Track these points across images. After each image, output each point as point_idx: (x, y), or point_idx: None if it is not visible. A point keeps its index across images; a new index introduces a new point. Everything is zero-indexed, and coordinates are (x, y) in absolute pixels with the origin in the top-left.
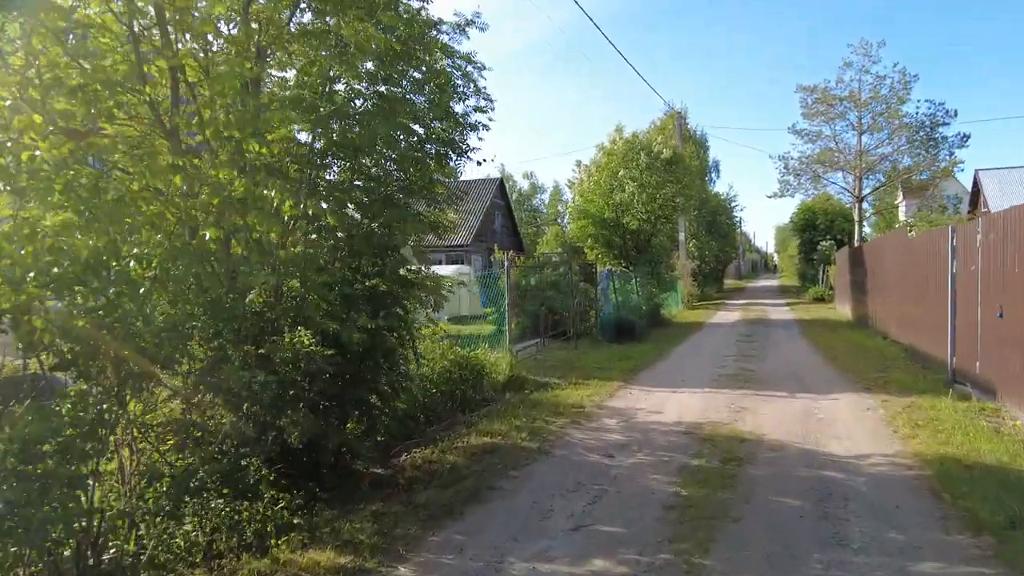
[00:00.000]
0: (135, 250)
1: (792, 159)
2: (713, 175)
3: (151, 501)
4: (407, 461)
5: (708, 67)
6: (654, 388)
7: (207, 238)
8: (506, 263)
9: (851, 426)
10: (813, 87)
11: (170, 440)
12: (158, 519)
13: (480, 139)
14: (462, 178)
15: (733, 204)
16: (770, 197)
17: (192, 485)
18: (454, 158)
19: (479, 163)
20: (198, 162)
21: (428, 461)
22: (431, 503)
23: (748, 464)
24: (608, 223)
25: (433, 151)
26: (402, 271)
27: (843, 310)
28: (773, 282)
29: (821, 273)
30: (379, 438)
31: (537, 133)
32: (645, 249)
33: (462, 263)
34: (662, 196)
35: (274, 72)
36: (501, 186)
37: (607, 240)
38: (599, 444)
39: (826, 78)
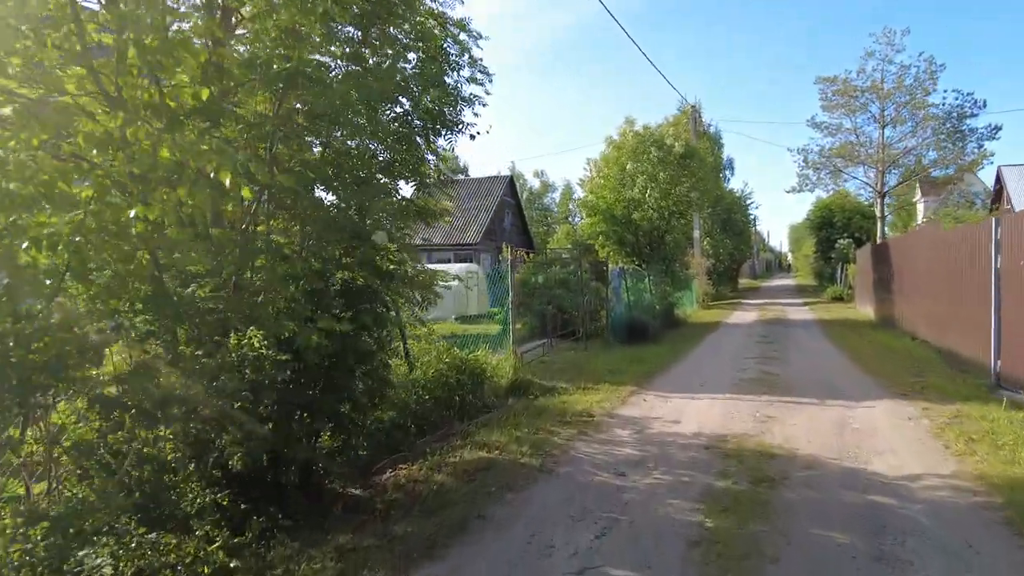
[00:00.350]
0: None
1: (812, 152)
2: (727, 173)
3: (17, 555)
4: (390, 480)
5: (709, 67)
6: (670, 394)
7: (132, 216)
8: (509, 258)
9: (893, 439)
10: (833, 78)
11: (69, 465)
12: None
13: (476, 115)
14: (471, 175)
15: (748, 201)
16: (789, 192)
17: (87, 526)
18: (445, 133)
19: (473, 137)
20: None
21: (413, 480)
22: (410, 536)
23: (782, 486)
24: (619, 219)
25: (421, 126)
26: (379, 261)
27: (865, 310)
28: (788, 281)
29: (839, 272)
30: (360, 452)
31: (538, 132)
32: (659, 246)
33: (471, 262)
34: (676, 192)
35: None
36: (511, 184)
37: (619, 237)
38: (609, 460)
39: (847, 68)
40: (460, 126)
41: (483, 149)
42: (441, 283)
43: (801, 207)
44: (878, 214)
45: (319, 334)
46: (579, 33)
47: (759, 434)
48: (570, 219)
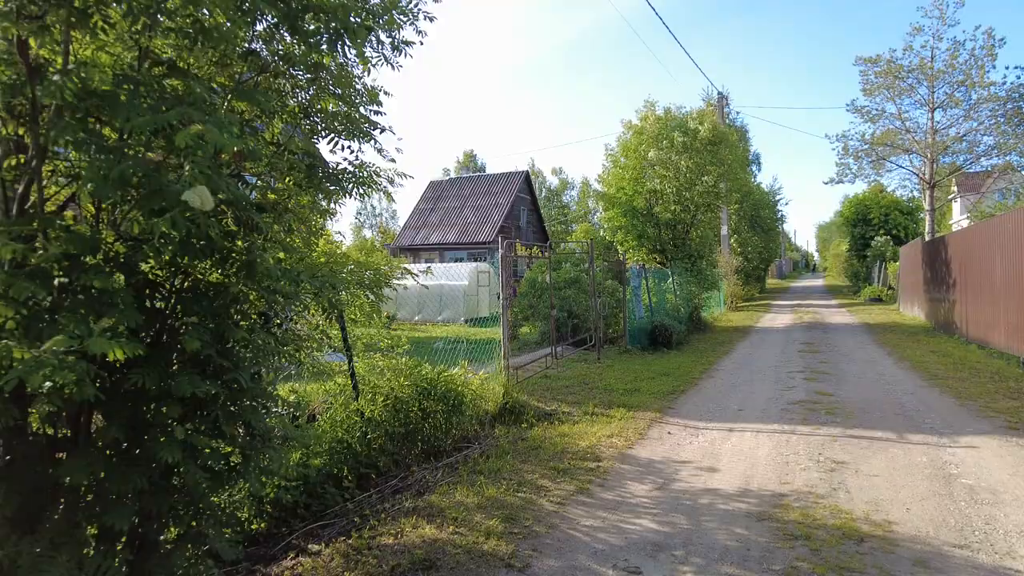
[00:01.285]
0: None
1: (852, 139)
2: (754, 168)
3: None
4: (288, 571)
5: (735, 56)
6: (702, 423)
7: None
8: (500, 251)
9: None
10: (875, 58)
11: None
12: None
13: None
14: (488, 171)
15: (777, 197)
16: (827, 184)
17: None
18: None
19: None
20: None
21: None
22: None
23: None
24: (640, 213)
25: None
26: (216, 237)
27: (911, 312)
28: (818, 282)
29: (877, 271)
30: (222, 541)
31: (559, 130)
32: (683, 243)
33: (486, 261)
34: (702, 183)
35: None
36: (527, 180)
37: (639, 232)
38: (617, 543)
39: (891, 47)
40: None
41: (505, 146)
42: (402, 279)
43: (828, 206)
44: (926, 206)
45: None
46: (600, 31)
47: (829, 492)
48: (589, 217)
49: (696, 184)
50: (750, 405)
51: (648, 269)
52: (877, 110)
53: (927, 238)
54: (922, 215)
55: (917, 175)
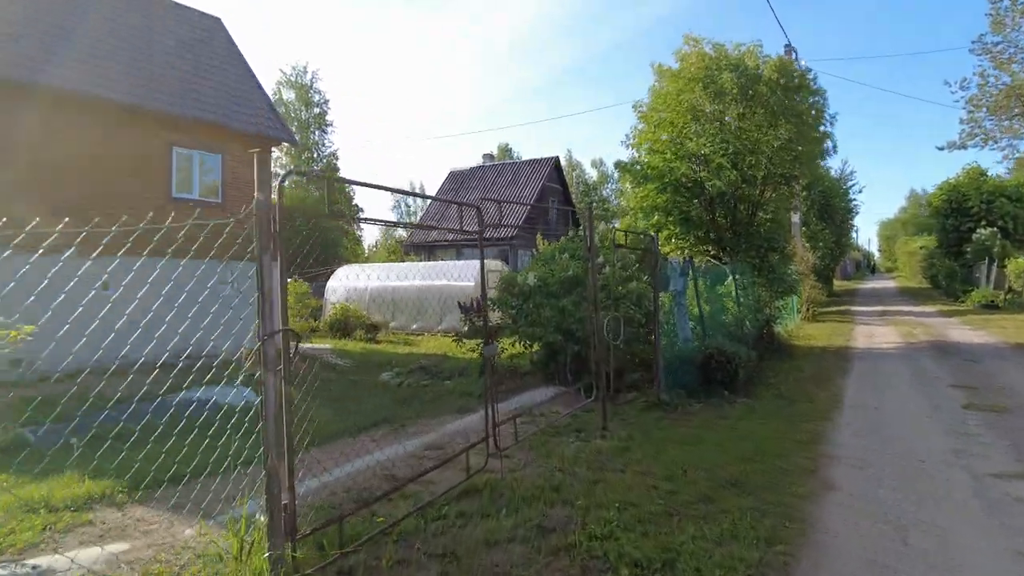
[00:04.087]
0: None
1: (990, 85)
2: (830, 143)
3: None
4: None
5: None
6: None
7: None
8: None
9: None
10: None
11: None
12: None
13: None
14: (515, 157)
15: (851, 183)
16: (942, 149)
17: None
18: None
19: None
20: None
21: None
22: None
23: None
24: (683, 186)
25: None
26: None
27: None
28: (888, 283)
29: (986, 270)
30: None
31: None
32: (747, 228)
33: (506, 259)
34: (769, 142)
35: None
36: (557, 167)
37: (683, 214)
38: None
39: None
40: None
41: (543, 140)
42: None
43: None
44: None
45: None
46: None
47: None
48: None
49: (762, 144)
50: None
51: (697, 265)
52: (1012, 47)
53: None
54: None
55: None
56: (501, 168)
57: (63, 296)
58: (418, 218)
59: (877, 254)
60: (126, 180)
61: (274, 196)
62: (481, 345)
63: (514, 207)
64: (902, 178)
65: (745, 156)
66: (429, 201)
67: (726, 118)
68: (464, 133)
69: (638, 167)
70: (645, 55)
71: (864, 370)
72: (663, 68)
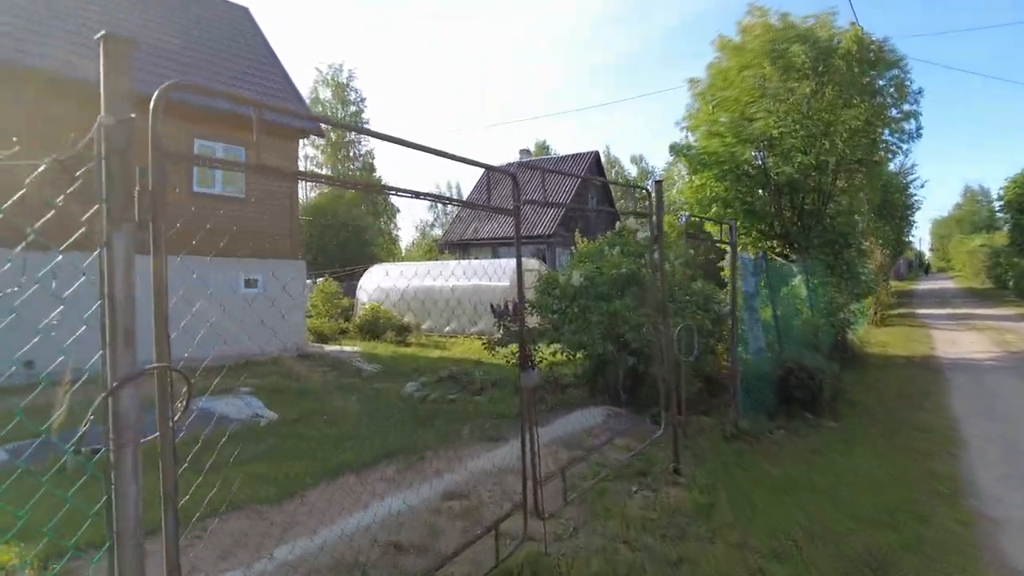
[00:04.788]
0: None
1: None
2: (912, 124)
3: None
4: None
5: None
6: None
7: None
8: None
9: None
10: None
11: None
12: None
13: None
14: (553, 152)
15: (912, 177)
16: None
17: None
18: None
19: None
20: None
21: None
22: None
23: None
24: (746, 174)
25: None
26: None
27: None
28: (946, 284)
29: None
30: None
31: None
32: (818, 221)
33: (543, 258)
34: (845, 123)
35: None
36: (597, 162)
37: (746, 205)
38: None
39: None
40: None
41: (581, 137)
42: None
43: (939, 200)
44: None
45: None
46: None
47: None
48: (674, 210)
49: (837, 125)
50: None
51: (769, 262)
52: None
53: None
54: None
55: None
56: (539, 163)
57: None
58: (453, 219)
59: (928, 253)
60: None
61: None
62: (515, 357)
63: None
64: (951, 174)
65: (818, 139)
66: (466, 199)
67: (796, 96)
68: (497, 124)
69: (694, 152)
70: (683, 50)
71: (965, 386)
72: (725, 41)
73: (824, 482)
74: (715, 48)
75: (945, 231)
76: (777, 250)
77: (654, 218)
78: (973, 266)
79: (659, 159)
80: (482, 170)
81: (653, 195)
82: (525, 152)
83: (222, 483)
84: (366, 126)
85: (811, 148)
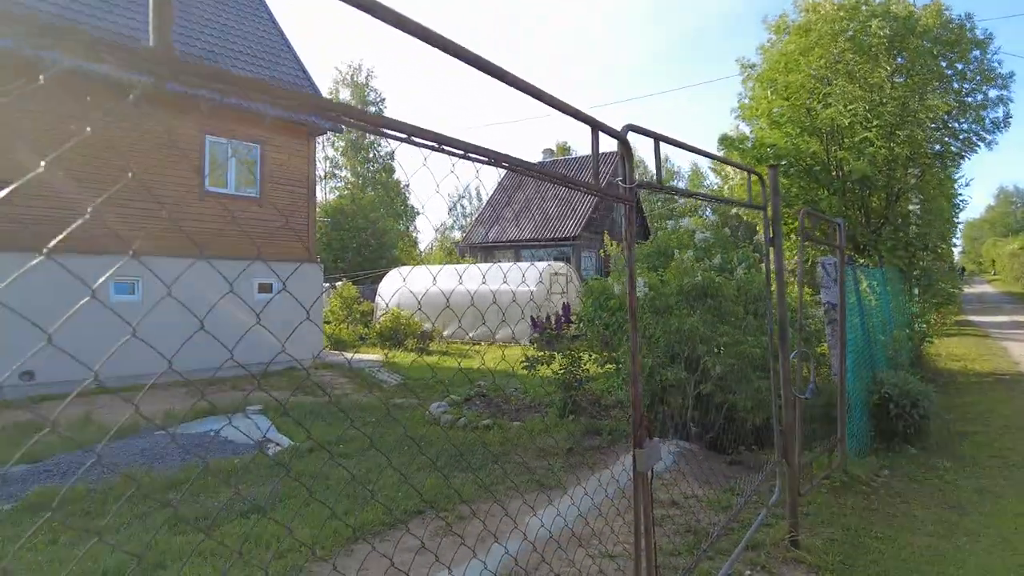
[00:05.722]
0: None
1: None
2: (1000, 112)
3: None
4: None
5: None
6: None
7: None
8: None
9: None
10: None
11: None
12: None
13: None
14: (574, 153)
15: (956, 175)
16: None
17: None
18: None
19: None
20: None
21: None
22: None
23: None
24: (811, 169)
25: None
26: None
27: None
28: (985, 288)
29: None
30: None
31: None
32: (886, 222)
33: (569, 260)
34: (926, 110)
35: None
36: (622, 163)
37: (816, 204)
38: None
39: None
40: None
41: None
42: None
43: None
44: None
45: None
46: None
47: None
48: (700, 212)
49: (918, 114)
50: None
51: (857, 266)
52: None
53: None
54: None
55: None
56: (561, 164)
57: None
58: (473, 221)
59: (957, 256)
60: (152, 173)
61: None
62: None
63: (577, 208)
64: (982, 175)
65: (894, 129)
66: (485, 201)
67: (871, 81)
68: (518, 120)
69: (748, 145)
70: (713, 46)
71: None
72: (783, 22)
73: (994, 564)
74: (769, 30)
75: (976, 233)
76: (848, 252)
77: (769, 210)
78: (1013, 270)
79: (683, 159)
80: (502, 170)
81: (768, 181)
82: (548, 152)
83: (195, 555)
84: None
85: (886, 140)
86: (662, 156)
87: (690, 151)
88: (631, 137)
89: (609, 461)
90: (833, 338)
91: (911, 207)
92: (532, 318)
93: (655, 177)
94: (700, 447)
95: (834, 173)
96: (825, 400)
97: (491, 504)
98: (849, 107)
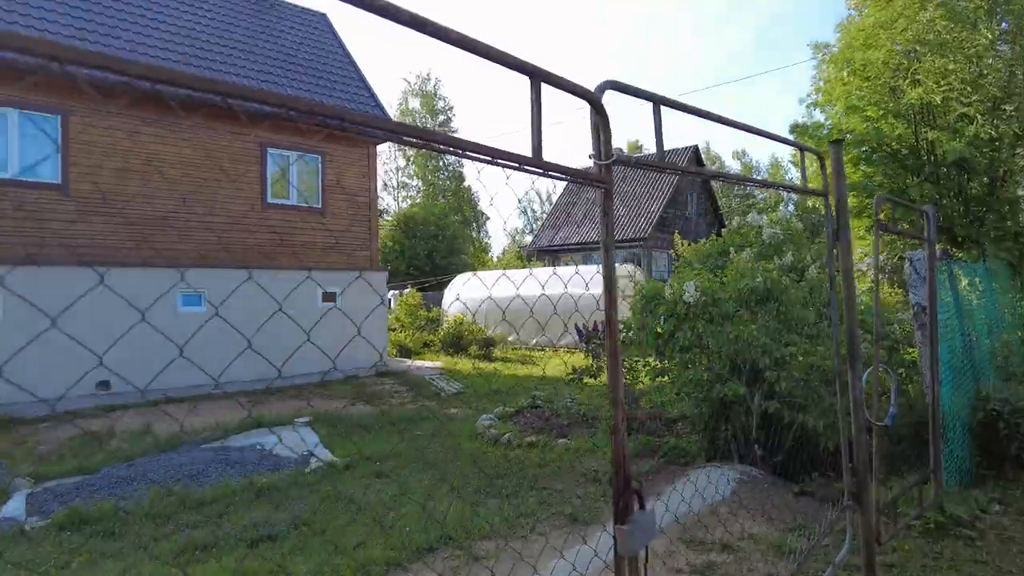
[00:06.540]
0: None
1: None
2: None
3: None
4: None
5: None
6: None
7: None
8: None
9: None
10: None
11: None
12: None
13: None
14: (645, 151)
15: None
16: None
17: None
18: None
19: None
20: None
21: None
22: None
23: None
24: (897, 153)
25: None
26: None
27: None
28: None
29: None
30: None
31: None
32: (989, 210)
33: (639, 263)
34: None
35: None
36: (696, 157)
37: (904, 193)
38: None
39: None
40: None
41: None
42: None
43: None
44: None
45: None
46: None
47: None
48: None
49: (1023, 85)
50: None
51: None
52: None
53: None
54: None
55: None
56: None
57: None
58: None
59: None
60: (214, 185)
61: None
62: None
63: (648, 207)
64: None
65: (997, 103)
66: (555, 202)
67: (968, 51)
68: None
69: (824, 132)
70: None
71: None
72: None
73: None
74: (848, 5)
75: None
76: (944, 245)
77: (832, 198)
78: None
79: (763, 153)
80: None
81: (830, 163)
82: (618, 151)
83: None
84: (454, 135)
85: (989, 115)
86: (705, 143)
87: (707, 118)
88: (619, 100)
89: (656, 489)
90: (924, 346)
91: (1020, 192)
92: (577, 327)
93: (701, 160)
94: (766, 473)
95: (925, 157)
96: (917, 416)
97: (516, 540)
98: (942, 83)
